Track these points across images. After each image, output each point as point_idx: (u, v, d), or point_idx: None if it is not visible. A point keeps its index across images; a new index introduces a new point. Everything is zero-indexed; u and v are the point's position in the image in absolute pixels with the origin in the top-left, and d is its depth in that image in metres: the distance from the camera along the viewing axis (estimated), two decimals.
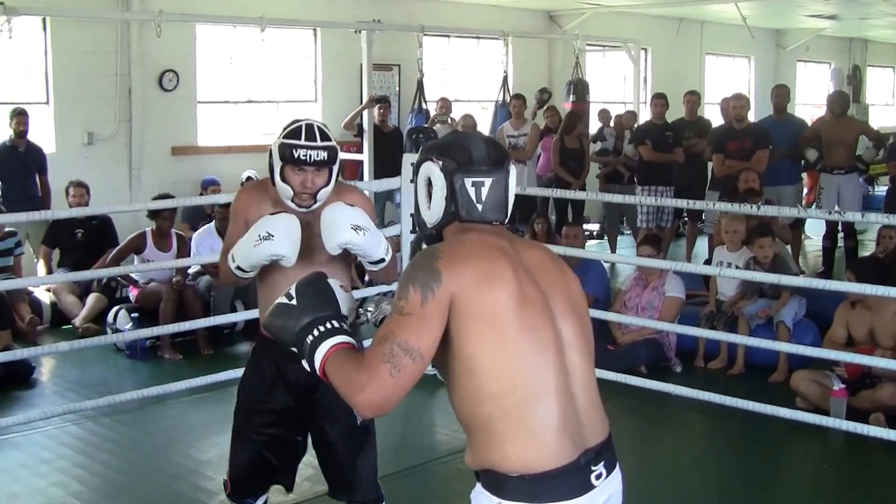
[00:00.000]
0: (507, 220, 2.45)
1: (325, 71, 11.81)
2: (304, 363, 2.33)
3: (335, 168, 3.49)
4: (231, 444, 3.77)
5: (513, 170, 2.45)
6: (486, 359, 2.20)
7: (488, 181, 2.39)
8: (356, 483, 3.70)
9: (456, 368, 2.24)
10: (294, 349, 2.36)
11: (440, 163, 2.39)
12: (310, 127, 3.46)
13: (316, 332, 2.31)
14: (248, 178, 10.40)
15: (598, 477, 2.28)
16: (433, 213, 2.42)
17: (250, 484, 3.79)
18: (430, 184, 2.42)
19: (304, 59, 11.83)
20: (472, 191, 2.38)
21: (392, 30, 11.42)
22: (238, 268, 3.44)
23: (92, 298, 8.22)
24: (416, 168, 2.48)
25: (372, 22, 10.88)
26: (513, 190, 2.45)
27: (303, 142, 3.41)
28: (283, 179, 3.45)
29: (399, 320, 2.20)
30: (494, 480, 2.24)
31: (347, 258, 3.59)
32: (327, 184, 3.48)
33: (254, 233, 3.35)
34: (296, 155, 3.39)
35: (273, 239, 3.30)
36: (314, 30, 11.69)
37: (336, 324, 2.33)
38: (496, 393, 2.20)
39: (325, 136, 3.45)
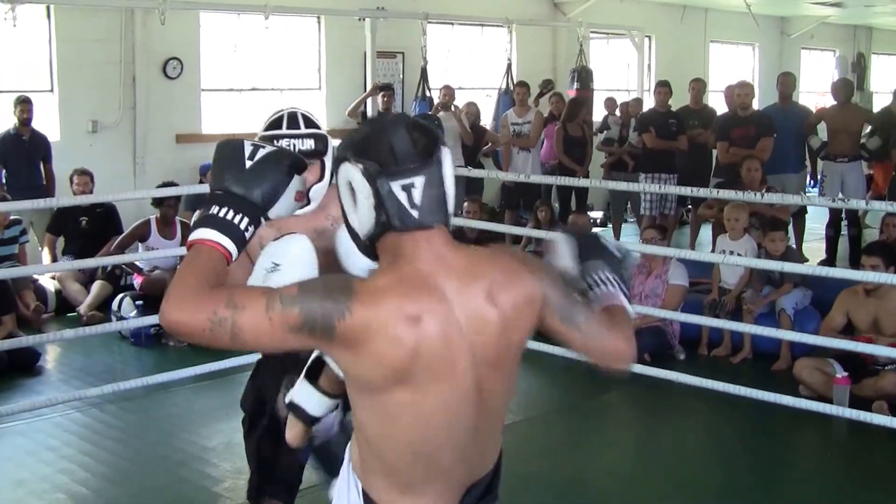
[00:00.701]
0: (449, 221, 2.10)
1: (329, 59, 11.80)
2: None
3: (327, 160, 3.08)
4: (254, 448, 3.59)
5: (446, 155, 2.09)
6: (376, 426, 2.04)
7: (420, 181, 2.01)
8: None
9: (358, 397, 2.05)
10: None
11: (360, 166, 2.00)
12: (292, 114, 3.08)
13: (214, 209, 2.06)
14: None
15: None
16: (362, 223, 2.04)
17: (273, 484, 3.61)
18: (351, 189, 2.05)
19: (307, 47, 11.81)
20: (402, 196, 2.00)
21: (396, 17, 11.40)
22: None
23: (97, 286, 8.24)
24: (334, 170, 2.16)
25: (376, 9, 10.88)
26: (451, 181, 2.09)
27: (285, 130, 3.03)
28: None
29: (267, 295, 1.92)
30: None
31: None
32: (319, 179, 3.06)
33: (260, 267, 2.87)
34: (277, 146, 2.85)
35: (280, 269, 2.84)
36: (318, 17, 11.68)
37: (230, 212, 2.05)
38: (380, 446, 2.06)
39: (310, 124, 3.08)
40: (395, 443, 2.03)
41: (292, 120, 3.06)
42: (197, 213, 2.08)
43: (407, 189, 2.00)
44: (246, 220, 2.06)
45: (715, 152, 10.19)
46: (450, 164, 2.10)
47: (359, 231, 2.07)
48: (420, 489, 2.08)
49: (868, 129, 10.12)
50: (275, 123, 3.07)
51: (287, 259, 2.90)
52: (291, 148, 2.98)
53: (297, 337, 1.91)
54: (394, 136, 2.02)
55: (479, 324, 2.02)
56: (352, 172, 2.02)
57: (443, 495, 2.10)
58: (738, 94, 9.65)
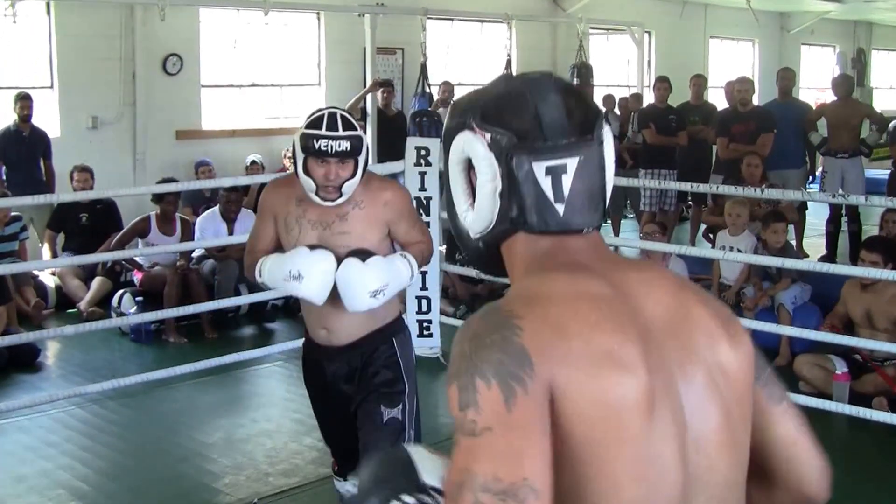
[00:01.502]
0: (601, 223, 1.52)
1: (329, 54, 11.81)
2: None
3: (361, 159, 3.31)
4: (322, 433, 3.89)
5: (609, 135, 1.49)
6: (595, 483, 1.27)
7: (573, 163, 1.43)
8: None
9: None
10: None
11: (487, 136, 1.43)
12: (332, 115, 3.29)
13: None
14: (253, 163, 10.41)
15: None
16: (480, 216, 1.47)
17: (341, 464, 3.82)
18: (470, 167, 1.48)
19: (307, 43, 11.81)
20: (546, 183, 1.42)
21: (395, 13, 11.39)
22: (263, 283, 3.48)
23: (97, 282, 8.25)
24: (447, 142, 1.52)
25: (375, 5, 10.87)
26: (612, 169, 1.50)
27: (324, 132, 3.24)
28: (307, 172, 3.29)
29: (472, 446, 1.23)
30: None
31: (384, 246, 3.50)
32: (352, 176, 3.30)
33: (286, 264, 3.31)
34: (317, 146, 3.23)
35: (302, 280, 3.25)
36: (318, 13, 11.68)
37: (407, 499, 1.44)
38: None
39: (348, 125, 3.28)
40: None
41: (331, 121, 3.26)
42: None
43: (554, 173, 1.42)
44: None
45: (715, 148, 10.19)
46: (612, 147, 1.50)
47: (472, 229, 1.50)
48: None
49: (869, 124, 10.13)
50: (315, 123, 3.27)
51: (312, 274, 3.24)
52: (329, 149, 3.22)
53: (542, 421, 1.24)
54: (542, 99, 1.44)
55: (672, 322, 1.41)
56: (474, 144, 1.45)
57: None
58: (738, 89, 9.65)
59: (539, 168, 1.41)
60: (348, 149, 3.25)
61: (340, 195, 3.31)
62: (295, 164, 3.35)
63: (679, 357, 1.37)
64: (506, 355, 1.26)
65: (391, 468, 1.52)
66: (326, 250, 3.31)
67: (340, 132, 3.24)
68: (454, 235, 1.56)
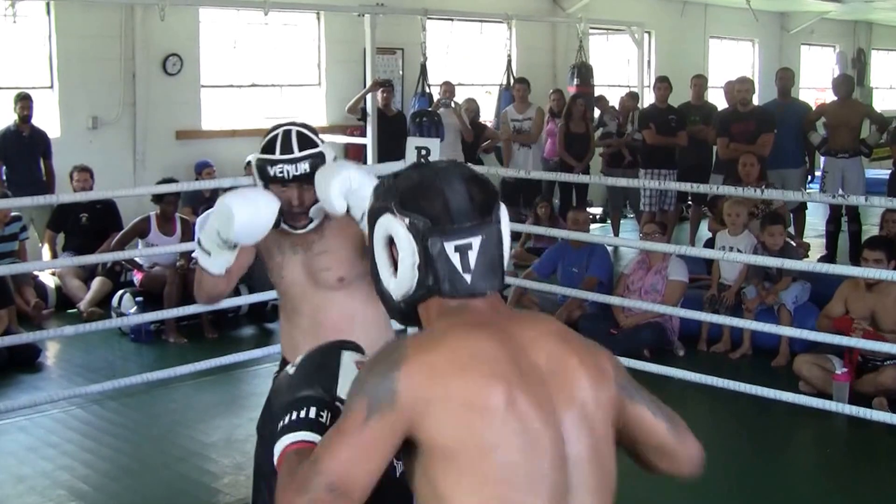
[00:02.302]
0: (502, 286, 1.87)
1: (329, 55, 11.80)
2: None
3: None
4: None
5: (505, 213, 1.84)
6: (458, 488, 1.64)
7: (476, 241, 1.78)
8: None
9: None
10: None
11: (406, 220, 1.78)
12: (286, 136, 2.88)
13: (286, 420, 1.82)
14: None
15: None
16: (401, 283, 1.81)
17: None
18: (391, 243, 1.82)
19: (307, 43, 11.81)
20: (455, 258, 1.77)
21: (395, 13, 11.39)
22: (202, 248, 2.95)
23: (97, 282, 8.25)
24: (372, 219, 1.85)
25: (375, 5, 10.87)
26: (508, 242, 1.86)
27: (278, 156, 2.86)
28: None
29: (333, 439, 1.66)
30: None
31: (363, 278, 2.85)
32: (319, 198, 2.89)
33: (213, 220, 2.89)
34: (272, 172, 2.86)
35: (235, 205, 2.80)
36: (318, 13, 11.68)
37: (311, 412, 1.81)
38: None
39: (305, 144, 2.88)
40: None
41: (285, 143, 2.88)
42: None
43: (462, 251, 1.77)
44: (313, 407, 1.82)
45: (715, 148, 10.20)
46: (507, 223, 1.83)
47: (394, 293, 1.83)
48: None
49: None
50: (269, 146, 2.90)
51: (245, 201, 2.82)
52: (286, 175, 2.85)
53: (386, 444, 1.67)
54: (449, 187, 1.78)
55: (550, 371, 1.75)
56: (395, 227, 1.78)
57: None
58: (739, 89, 9.65)
59: (449, 247, 1.77)
60: (307, 170, 2.87)
61: (310, 221, 2.94)
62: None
63: (560, 395, 1.73)
64: (380, 388, 1.65)
65: (315, 374, 1.88)
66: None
67: (296, 154, 2.87)
68: (378, 295, 1.90)
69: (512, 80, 12.22)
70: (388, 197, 1.81)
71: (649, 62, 15.21)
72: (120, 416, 5.89)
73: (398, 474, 2.95)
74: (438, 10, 11.86)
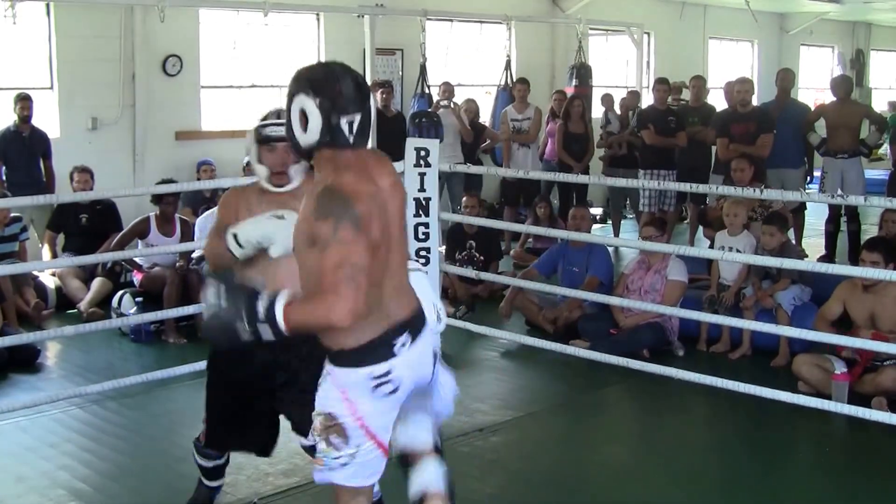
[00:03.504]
0: (367, 143, 3.04)
1: (329, 55, 11.79)
2: (269, 333, 2.86)
3: None
4: (207, 400, 4.12)
5: (373, 100, 2.66)
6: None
7: (357, 118, 2.93)
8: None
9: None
10: (250, 337, 2.87)
11: (317, 100, 2.90)
12: (279, 109, 3.68)
13: (261, 307, 2.85)
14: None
15: (403, 346, 3.02)
16: (308, 138, 2.95)
17: (224, 436, 4.09)
18: (304, 114, 2.93)
19: (307, 44, 11.82)
20: (345, 127, 2.92)
21: (395, 14, 11.42)
22: (236, 241, 3.61)
23: (97, 283, 8.26)
24: (291, 95, 2.97)
25: (375, 6, 10.89)
26: (374, 115, 2.81)
27: (270, 120, 3.81)
28: (260, 161, 3.83)
29: (343, 248, 2.77)
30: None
31: None
32: (299, 160, 3.69)
33: (256, 232, 3.60)
34: (265, 133, 3.79)
35: (272, 247, 3.56)
36: (317, 14, 11.69)
37: (267, 293, 2.87)
38: None
39: None
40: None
41: (277, 115, 3.79)
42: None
43: (350, 124, 2.94)
44: (262, 295, 2.91)
45: (714, 149, 10.21)
46: (374, 105, 2.77)
47: (302, 143, 2.98)
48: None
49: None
50: (265, 118, 3.88)
51: (279, 240, 3.54)
52: (275, 135, 3.74)
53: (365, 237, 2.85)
54: (343, 82, 2.94)
55: (390, 193, 3.05)
56: (307, 103, 2.92)
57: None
58: (738, 90, 9.65)
59: (343, 120, 2.92)
60: None
61: (290, 181, 3.81)
62: (251, 157, 3.88)
63: (392, 204, 3.05)
64: (351, 213, 2.81)
65: (232, 284, 2.97)
66: (288, 215, 3.49)
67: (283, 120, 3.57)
68: (290, 142, 3.05)
69: (511, 81, 12.23)
70: (302, 82, 2.96)
71: (648, 63, 15.23)
72: (120, 416, 5.89)
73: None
74: (438, 11, 11.88)
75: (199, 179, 9.85)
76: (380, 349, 2.99)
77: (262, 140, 3.80)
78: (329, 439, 3.05)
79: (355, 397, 3.00)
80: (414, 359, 3.07)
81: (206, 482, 4.39)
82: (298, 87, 2.96)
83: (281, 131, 3.56)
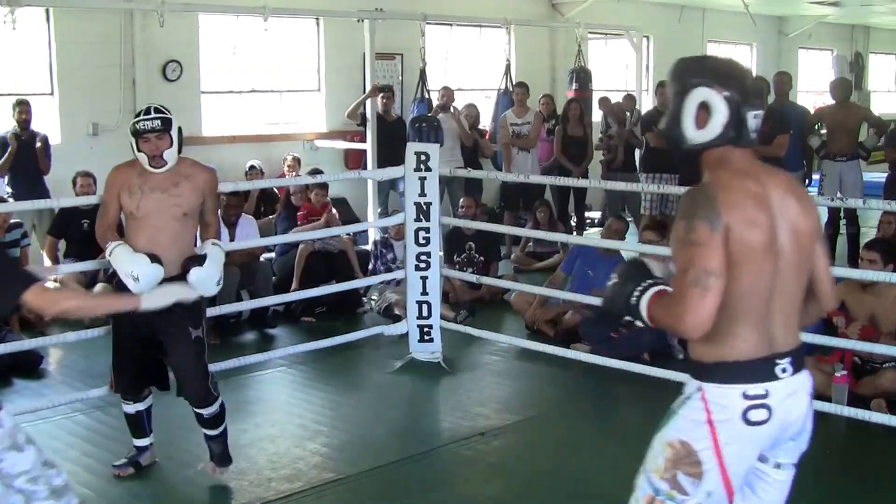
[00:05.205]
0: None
1: (328, 60, 11.83)
2: (635, 320, 2.88)
3: (173, 134, 4.72)
4: (113, 357, 5.06)
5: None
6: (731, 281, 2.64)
7: (761, 113, 2.80)
8: (190, 381, 4.83)
9: None
10: (625, 314, 2.89)
11: (725, 93, 2.71)
12: (148, 107, 4.78)
13: (636, 293, 2.75)
14: (252, 168, 10.44)
15: (784, 371, 2.73)
16: (705, 133, 2.74)
17: (131, 381, 5.03)
18: (704, 107, 2.73)
19: (306, 49, 11.84)
20: (752, 122, 2.75)
21: (395, 18, 11.43)
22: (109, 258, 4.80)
23: (98, 288, 8.25)
24: (684, 88, 2.77)
25: (374, 10, 10.89)
26: None
27: (142, 117, 4.71)
28: (139, 150, 4.69)
29: (694, 250, 2.60)
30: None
31: (195, 217, 4.89)
32: (170, 146, 4.71)
33: (130, 263, 4.63)
34: (137, 127, 4.68)
35: (138, 282, 4.54)
36: (317, 19, 11.70)
37: (650, 282, 2.76)
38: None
39: (159, 111, 4.74)
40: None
41: (146, 110, 4.76)
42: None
43: (757, 118, 2.79)
44: (648, 281, 2.83)
45: None
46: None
47: (692, 138, 2.79)
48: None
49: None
50: (137, 115, 4.78)
51: (144, 278, 4.56)
52: (145, 127, 4.67)
53: (722, 244, 2.62)
54: (745, 75, 2.80)
55: (784, 204, 2.74)
56: (713, 96, 2.73)
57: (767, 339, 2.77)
58: None
59: (751, 114, 2.75)
60: (160, 125, 4.69)
61: (165, 163, 4.71)
62: (132, 149, 4.72)
63: (785, 219, 2.71)
64: (711, 214, 2.60)
65: (634, 269, 2.85)
66: (160, 266, 4.57)
67: (153, 115, 4.71)
68: (667, 140, 2.91)
69: (510, 85, 12.25)
70: (703, 75, 2.75)
71: (648, 66, 15.25)
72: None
73: (193, 338, 4.80)
74: (437, 16, 11.90)
75: None
76: (761, 368, 2.69)
77: (137, 133, 4.66)
78: (676, 477, 2.75)
79: (720, 420, 2.69)
80: (791, 390, 2.73)
81: (134, 441, 5.16)
82: (698, 80, 2.75)
83: (151, 124, 4.66)
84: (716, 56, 2.98)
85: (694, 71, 2.78)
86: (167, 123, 4.70)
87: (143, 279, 4.47)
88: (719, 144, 2.74)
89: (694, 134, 2.75)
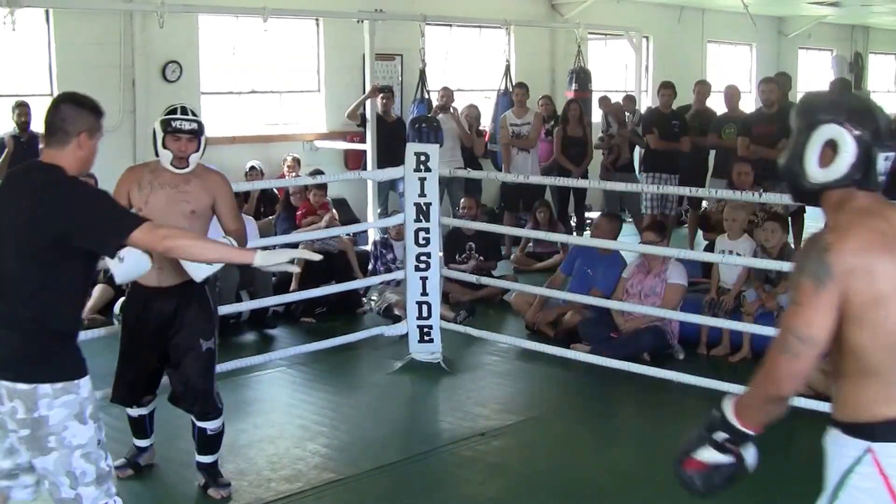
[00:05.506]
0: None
1: (328, 61, 11.83)
2: (751, 453, 2.92)
3: (202, 139, 4.74)
4: (118, 365, 5.04)
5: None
6: (861, 340, 2.45)
7: (892, 155, 2.53)
8: (198, 394, 4.78)
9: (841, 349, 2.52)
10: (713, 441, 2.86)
11: (856, 132, 2.47)
12: (184, 107, 4.80)
13: (713, 435, 2.82)
14: (252, 169, 10.43)
15: None
16: (828, 172, 2.51)
17: (129, 391, 5.08)
18: (830, 144, 2.50)
19: (306, 49, 11.84)
20: (882, 165, 2.51)
21: (394, 19, 11.42)
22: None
23: (98, 289, 8.26)
24: (811, 123, 2.55)
25: (374, 11, 10.89)
26: None
27: (179, 115, 4.72)
28: (165, 146, 4.69)
29: (793, 311, 2.45)
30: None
31: (205, 217, 4.82)
32: (197, 150, 4.72)
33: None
34: (174, 125, 4.67)
35: (122, 262, 4.00)
36: (317, 19, 11.70)
37: (708, 424, 2.85)
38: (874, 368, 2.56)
39: (194, 114, 4.78)
40: None
41: (184, 110, 4.80)
42: None
43: (888, 160, 2.52)
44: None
45: (712, 154, 10.21)
46: None
47: (814, 178, 2.54)
48: None
49: None
50: (172, 112, 4.81)
51: (129, 261, 3.98)
52: (182, 127, 4.69)
53: (831, 305, 2.41)
54: (878, 114, 2.55)
55: None
56: (842, 134, 2.49)
57: None
58: (762, 90, 9.55)
59: (882, 156, 2.49)
60: (196, 128, 4.71)
61: (188, 166, 4.71)
62: (155, 143, 4.77)
63: None
64: (819, 269, 2.39)
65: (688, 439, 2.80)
66: (150, 258, 4.06)
67: (190, 116, 4.74)
68: (785, 176, 2.65)
69: (510, 86, 12.25)
70: (834, 111, 2.52)
71: (647, 67, 15.25)
72: (122, 422, 5.87)
73: (203, 349, 4.73)
74: (437, 16, 11.89)
75: None
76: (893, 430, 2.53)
77: (172, 130, 4.66)
78: None
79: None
80: None
81: (135, 441, 5.20)
82: (829, 116, 2.52)
83: (188, 126, 4.65)
84: (850, 93, 2.83)
85: (825, 106, 2.57)
86: (201, 128, 4.75)
87: (127, 259, 4.20)
88: (843, 185, 2.51)
89: (816, 172, 2.54)
